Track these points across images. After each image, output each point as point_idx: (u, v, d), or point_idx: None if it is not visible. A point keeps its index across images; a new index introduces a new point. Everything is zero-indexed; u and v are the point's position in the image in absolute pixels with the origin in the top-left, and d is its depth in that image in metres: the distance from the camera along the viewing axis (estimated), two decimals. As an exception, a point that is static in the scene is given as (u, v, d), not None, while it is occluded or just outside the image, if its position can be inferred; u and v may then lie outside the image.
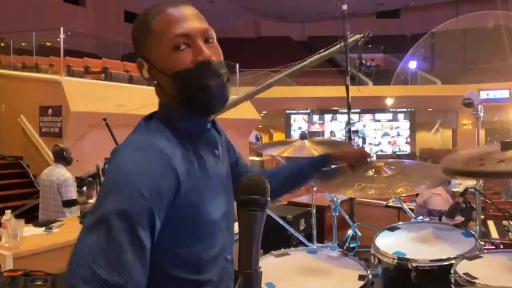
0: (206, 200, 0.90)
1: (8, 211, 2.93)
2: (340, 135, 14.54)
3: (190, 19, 0.91)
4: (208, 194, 0.91)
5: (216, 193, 0.95)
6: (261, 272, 0.74)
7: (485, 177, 1.99)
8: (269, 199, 0.76)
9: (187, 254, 0.88)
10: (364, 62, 3.10)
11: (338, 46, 3.21)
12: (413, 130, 15.43)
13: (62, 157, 4.36)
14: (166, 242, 0.84)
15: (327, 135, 15.12)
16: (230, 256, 0.99)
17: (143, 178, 0.79)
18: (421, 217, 2.29)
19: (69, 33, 9.46)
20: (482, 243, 1.73)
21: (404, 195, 2.08)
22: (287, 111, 15.29)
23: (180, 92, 0.91)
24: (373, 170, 2.01)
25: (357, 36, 3.15)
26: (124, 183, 0.78)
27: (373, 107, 14.99)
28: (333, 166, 1.50)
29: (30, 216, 5.09)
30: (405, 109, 15.35)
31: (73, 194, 4.24)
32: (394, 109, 15.42)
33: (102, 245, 0.73)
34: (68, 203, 4.17)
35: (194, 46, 0.90)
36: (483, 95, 13.87)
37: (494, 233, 3.20)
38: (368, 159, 1.53)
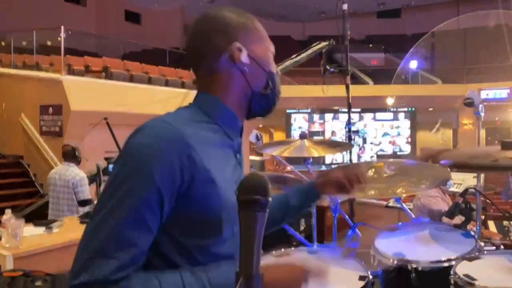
0: (221, 199, 0.90)
1: (8, 211, 2.93)
2: (341, 134, 14.53)
3: None
4: (224, 194, 0.91)
5: (230, 196, 0.93)
6: (263, 273, 0.74)
7: (481, 170, 1.99)
8: (270, 199, 0.76)
9: (194, 248, 0.89)
10: (328, 68, 3.11)
11: (318, 47, 3.22)
12: (413, 129, 15.42)
13: (74, 157, 4.36)
14: (176, 232, 0.87)
15: (328, 134, 15.11)
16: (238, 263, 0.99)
17: (156, 162, 0.82)
18: (421, 218, 2.28)
19: (69, 32, 9.47)
20: (482, 243, 1.73)
21: (404, 195, 2.08)
22: (287, 111, 15.27)
23: (265, 89, 1.01)
24: (373, 170, 2.01)
25: (323, 44, 3.16)
26: (137, 165, 0.83)
27: (373, 106, 14.98)
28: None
29: (34, 216, 5.09)
30: (406, 109, 15.35)
31: (88, 193, 4.25)
32: (395, 109, 15.41)
33: (110, 226, 0.80)
34: (84, 203, 4.16)
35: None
36: (484, 94, 13.85)
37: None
38: (359, 178, 1.27)
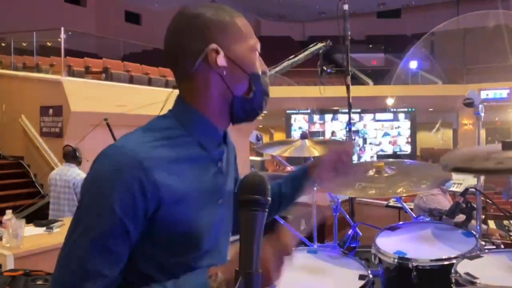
0: (197, 214, 0.88)
1: (9, 211, 2.93)
2: (341, 134, 14.53)
3: None
4: (201, 208, 0.89)
5: (211, 207, 0.92)
6: (262, 272, 0.74)
7: (482, 173, 1.99)
8: (270, 198, 0.76)
9: (172, 265, 0.87)
10: (325, 69, 3.12)
11: (315, 48, 3.24)
12: (413, 130, 15.42)
13: (74, 157, 4.36)
14: (152, 251, 0.85)
15: (328, 135, 15.11)
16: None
17: (115, 193, 0.79)
18: (421, 217, 2.29)
19: (69, 33, 9.47)
20: (483, 242, 1.73)
21: (404, 195, 2.08)
22: (287, 111, 15.27)
23: (248, 93, 0.93)
24: (374, 170, 2.01)
25: (320, 45, 3.19)
26: (96, 196, 0.81)
27: (373, 107, 14.98)
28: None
29: (35, 216, 5.09)
30: (406, 109, 15.35)
31: None
32: (395, 109, 15.41)
33: (74, 259, 0.79)
34: None
35: (259, 57, 0.96)
36: (483, 95, 13.85)
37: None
38: (345, 156, 1.19)
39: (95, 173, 0.83)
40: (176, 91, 0.97)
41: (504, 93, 14.40)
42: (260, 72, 0.95)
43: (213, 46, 0.88)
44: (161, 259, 0.86)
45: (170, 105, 0.98)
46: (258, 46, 0.96)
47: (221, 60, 0.89)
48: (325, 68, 3.08)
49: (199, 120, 0.92)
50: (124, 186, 0.79)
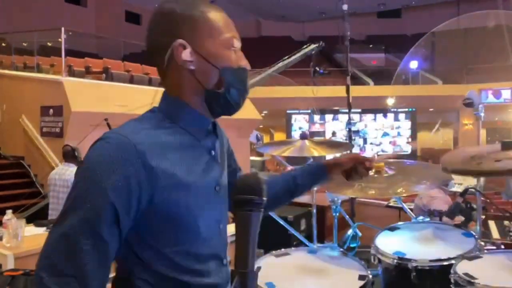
0: (194, 200, 0.88)
1: (9, 211, 2.93)
2: (341, 135, 14.52)
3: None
4: (197, 194, 0.89)
5: (208, 194, 0.92)
6: (258, 271, 0.74)
7: (482, 175, 1.99)
8: (265, 198, 0.76)
9: (174, 254, 0.87)
10: (317, 69, 3.13)
11: (308, 49, 3.24)
12: (414, 130, 15.41)
13: (74, 157, 4.36)
14: (153, 241, 0.86)
15: (328, 135, 15.10)
16: (225, 260, 0.98)
17: (108, 174, 0.80)
18: (421, 217, 2.29)
19: (70, 33, 9.48)
20: (483, 243, 1.73)
21: (404, 195, 2.08)
22: (288, 111, 15.27)
23: (219, 86, 0.92)
24: (374, 170, 2.01)
25: (312, 46, 3.18)
26: (89, 179, 0.81)
27: (374, 107, 14.98)
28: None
29: (35, 216, 5.09)
30: (406, 109, 15.34)
31: None
32: (395, 109, 15.41)
33: (61, 238, 0.81)
34: None
35: (238, 52, 0.96)
36: (484, 97, 13.82)
37: (495, 233, 3.20)
38: (368, 164, 1.27)
39: (89, 158, 0.83)
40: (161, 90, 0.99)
41: (506, 93, 14.37)
42: (234, 66, 0.94)
43: (179, 41, 0.90)
44: (159, 247, 0.86)
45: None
46: (235, 41, 0.96)
47: (186, 55, 0.90)
48: (318, 69, 3.10)
49: (183, 109, 0.94)
50: (119, 172, 0.80)
